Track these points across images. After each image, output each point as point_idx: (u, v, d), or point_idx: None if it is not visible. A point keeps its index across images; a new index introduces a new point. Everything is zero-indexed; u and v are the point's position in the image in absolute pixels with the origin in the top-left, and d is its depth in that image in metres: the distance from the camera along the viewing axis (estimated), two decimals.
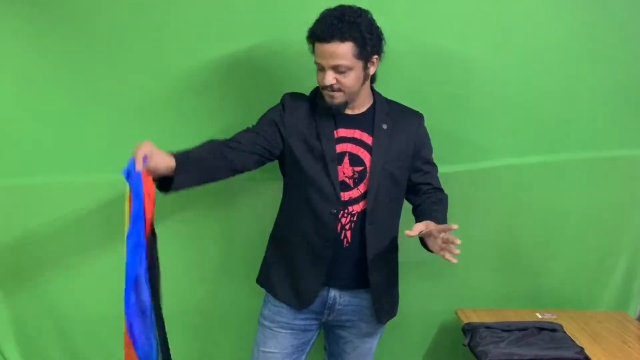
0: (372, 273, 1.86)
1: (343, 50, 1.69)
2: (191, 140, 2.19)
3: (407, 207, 1.97)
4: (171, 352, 2.32)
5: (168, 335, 2.34)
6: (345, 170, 1.82)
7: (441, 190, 1.96)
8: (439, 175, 2.04)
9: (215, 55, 2.07)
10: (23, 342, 2.34)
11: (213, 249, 2.32)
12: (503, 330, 2.09)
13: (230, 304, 2.34)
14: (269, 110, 1.89)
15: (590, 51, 2.20)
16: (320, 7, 1.75)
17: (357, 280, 1.87)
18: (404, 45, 2.13)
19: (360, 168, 1.82)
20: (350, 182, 1.82)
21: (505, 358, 1.94)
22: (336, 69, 1.71)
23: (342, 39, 1.68)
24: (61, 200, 2.21)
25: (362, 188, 1.82)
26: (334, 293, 1.88)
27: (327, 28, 1.68)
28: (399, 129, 1.86)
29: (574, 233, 2.34)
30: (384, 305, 1.93)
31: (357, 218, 1.82)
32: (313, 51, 1.77)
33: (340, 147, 1.82)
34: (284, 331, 1.92)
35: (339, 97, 1.76)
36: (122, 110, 2.14)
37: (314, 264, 1.84)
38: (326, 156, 1.80)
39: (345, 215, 1.82)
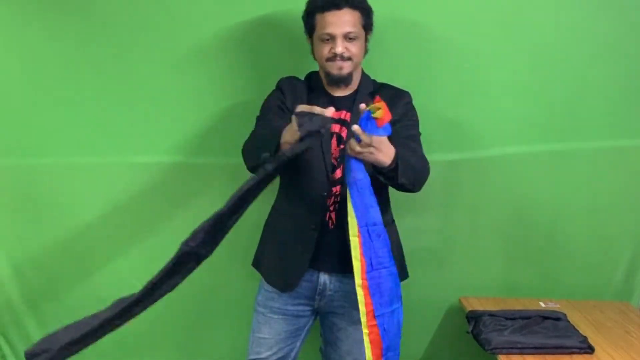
0: None
1: (354, 18, 1.76)
2: (201, 123, 2.21)
3: (402, 199, 1.96)
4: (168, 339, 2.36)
5: (166, 323, 2.36)
6: (333, 151, 1.83)
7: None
8: (445, 163, 2.06)
9: (224, 22, 2.10)
10: (31, 324, 2.36)
11: None
12: (507, 319, 2.09)
13: (228, 291, 2.35)
14: (270, 98, 1.90)
15: (600, 40, 2.19)
16: None
17: (345, 264, 1.82)
18: (411, 32, 2.13)
19: (342, 146, 1.82)
20: (335, 162, 1.83)
21: (508, 346, 1.95)
22: (347, 36, 1.76)
23: (353, 6, 1.75)
24: (70, 181, 2.23)
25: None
26: (323, 278, 1.88)
27: None
28: None
29: (579, 222, 2.34)
30: None
31: (340, 199, 1.82)
32: (312, 28, 1.80)
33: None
34: (276, 317, 1.92)
35: (347, 67, 1.79)
36: (132, 91, 2.16)
37: (301, 247, 1.84)
38: (322, 138, 1.79)
39: (330, 196, 1.83)
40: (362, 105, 1.56)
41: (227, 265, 2.32)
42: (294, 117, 1.56)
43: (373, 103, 1.54)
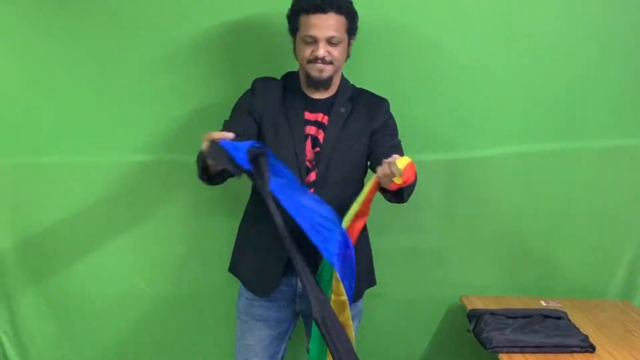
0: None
1: (339, 22, 1.75)
2: (193, 121, 2.20)
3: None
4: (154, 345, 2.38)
5: (157, 324, 2.37)
6: (307, 152, 1.82)
7: None
8: (445, 163, 2.06)
9: (217, 20, 2.11)
10: (31, 324, 2.36)
11: (203, 241, 2.33)
12: (508, 317, 2.09)
13: (207, 296, 2.35)
14: (240, 99, 1.90)
15: (600, 39, 2.19)
16: None
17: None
18: (410, 32, 2.14)
19: (318, 149, 1.82)
20: (309, 164, 1.82)
21: (509, 344, 1.95)
22: (330, 40, 1.75)
23: (339, 11, 1.74)
24: (64, 180, 2.24)
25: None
26: None
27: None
28: (359, 113, 1.86)
29: (580, 222, 2.34)
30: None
31: None
32: (296, 28, 1.80)
33: (305, 130, 1.83)
34: (258, 323, 1.90)
35: (328, 70, 1.79)
36: (128, 89, 2.16)
37: (277, 252, 1.79)
38: (295, 137, 1.81)
39: None
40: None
41: (205, 270, 2.31)
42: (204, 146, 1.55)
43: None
